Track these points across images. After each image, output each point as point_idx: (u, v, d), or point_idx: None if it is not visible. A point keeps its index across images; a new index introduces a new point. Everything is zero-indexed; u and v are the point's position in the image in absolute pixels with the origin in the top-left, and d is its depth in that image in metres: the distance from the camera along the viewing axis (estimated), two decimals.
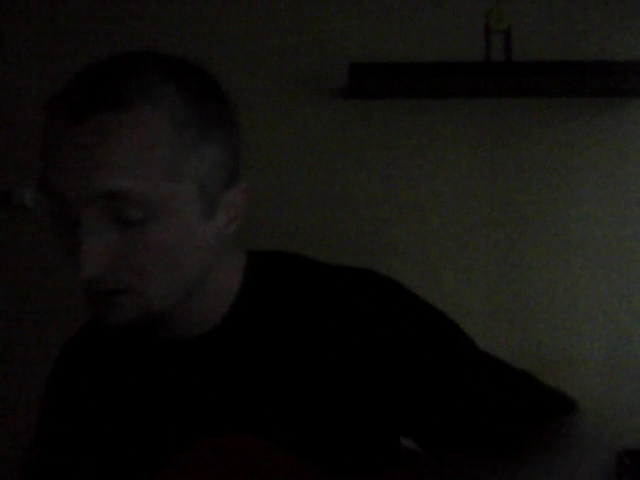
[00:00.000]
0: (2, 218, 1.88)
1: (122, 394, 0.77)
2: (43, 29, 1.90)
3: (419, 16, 1.89)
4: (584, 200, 1.89)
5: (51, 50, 1.89)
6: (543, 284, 1.88)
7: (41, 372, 1.83)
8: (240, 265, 0.77)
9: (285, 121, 1.87)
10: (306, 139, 1.88)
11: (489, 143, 1.89)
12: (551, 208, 1.89)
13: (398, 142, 1.89)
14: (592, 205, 1.89)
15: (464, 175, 1.89)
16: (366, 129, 1.89)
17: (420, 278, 1.86)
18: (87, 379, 0.81)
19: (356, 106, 1.88)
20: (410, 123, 1.89)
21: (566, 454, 0.67)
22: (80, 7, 1.90)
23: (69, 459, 0.80)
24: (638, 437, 1.82)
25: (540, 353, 1.86)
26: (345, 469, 0.71)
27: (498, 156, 1.89)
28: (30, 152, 1.89)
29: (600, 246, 1.88)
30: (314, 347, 0.73)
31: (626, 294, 1.88)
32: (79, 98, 0.64)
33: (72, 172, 0.62)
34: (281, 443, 0.70)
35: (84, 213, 0.63)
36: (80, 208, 0.63)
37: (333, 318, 0.73)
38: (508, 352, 1.81)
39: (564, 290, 1.88)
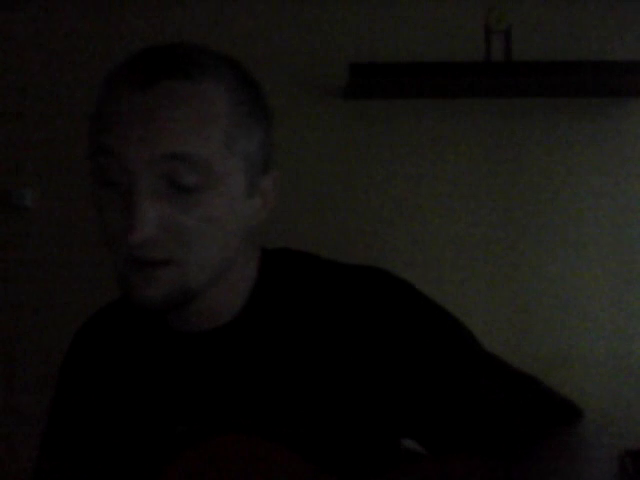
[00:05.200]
0: (2, 218, 1.88)
1: (132, 385, 0.77)
2: (43, 29, 1.90)
3: (419, 16, 1.89)
4: (584, 200, 1.89)
5: (51, 50, 1.89)
6: (543, 284, 1.88)
7: (41, 371, 1.84)
8: (255, 261, 0.78)
9: (285, 121, 1.87)
10: (306, 139, 1.88)
11: (489, 143, 1.89)
12: (551, 208, 1.89)
13: (398, 142, 1.89)
14: (592, 205, 1.89)
15: (464, 175, 1.89)
16: (366, 129, 1.89)
17: (420, 278, 1.85)
18: (98, 368, 0.81)
19: (356, 106, 1.88)
20: (410, 123, 1.89)
21: (569, 458, 0.66)
22: (80, 7, 1.89)
23: (77, 449, 0.80)
24: (638, 437, 1.82)
25: (540, 353, 1.86)
26: (348, 470, 0.71)
27: (498, 156, 1.89)
28: (30, 152, 1.89)
29: (600, 246, 1.88)
30: (323, 346, 0.73)
31: (626, 294, 1.88)
32: (147, 66, 0.66)
33: (137, 134, 0.64)
34: (286, 441, 0.70)
35: (142, 177, 0.65)
36: (138, 172, 0.64)
37: (342, 317, 0.74)
38: (508, 352, 1.81)
39: (564, 290, 1.88)
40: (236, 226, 0.71)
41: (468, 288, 1.88)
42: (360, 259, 0.82)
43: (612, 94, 1.85)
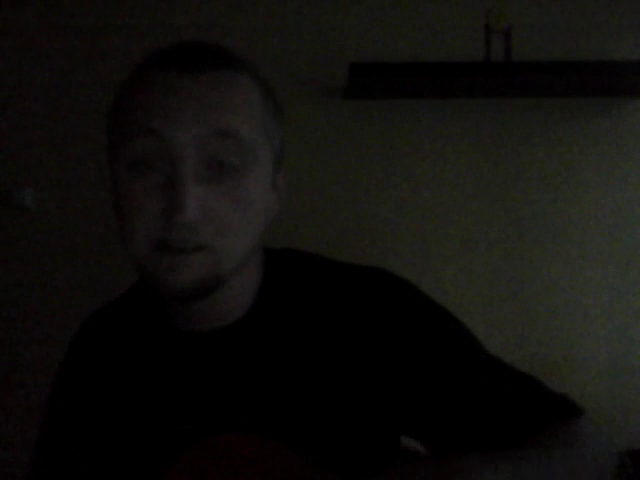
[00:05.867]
0: (2, 218, 1.88)
1: (137, 384, 0.77)
2: (43, 28, 1.90)
3: (419, 16, 1.89)
4: (584, 200, 1.89)
5: (51, 50, 1.89)
6: (543, 284, 1.88)
7: (41, 371, 1.83)
8: (260, 261, 0.78)
9: (285, 121, 1.87)
10: (306, 139, 1.88)
11: (489, 143, 1.89)
12: (551, 208, 1.89)
13: (398, 142, 1.89)
14: (592, 205, 1.89)
15: (464, 175, 1.89)
16: (366, 129, 1.89)
17: (420, 278, 1.85)
18: (100, 366, 0.81)
19: (356, 106, 1.88)
20: (410, 123, 1.89)
21: (569, 456, 0.67)
22: (80, 6, 1.90)
23: (77, 446, 0.80)
24: (638, 437, 1.82)
25: (540, 353, 1.86)
26: (349, 469, 0.71)
27: (498, 156, 1.89)
28: (30, 152, 1.89)
29: (600, 246, 1.88)
30: (326, 346, 0.74)
31: (626, 294, 1.88)
32: (193, 55, 0.70)
33: (189, 114, 0.66)
34: (288, 440, 0.70)
35: (188, 159, 0.66)
36: (185, 153, 0.66)
37: (346, 318, 0.74)
38: (508, 352, 1.81)
39: (564, 290, 1.88)
40: (263, 215, 0.73)
41: (468, 288, 1.88)
42: (360, 259, 0.83)
43: (612, 94, 1.85)
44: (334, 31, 1.89)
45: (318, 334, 0.74)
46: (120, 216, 0.69)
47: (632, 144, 1.89)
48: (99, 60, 1.86)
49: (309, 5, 1.90)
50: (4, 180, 1.88)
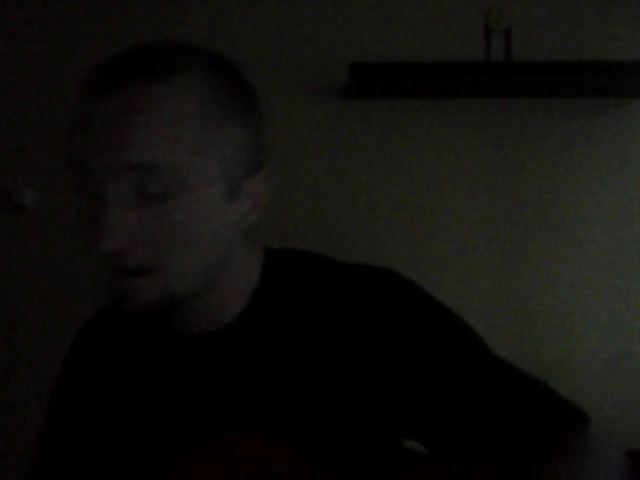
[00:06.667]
0: (2, 218, 1.88)
1: (134, 386, 0.77)
2: (43, 28, 1.90)
3: (419, 16, 1.89)
4: (584, 200, 1.89)
5: (51, 50, 1.89)
6: (543, 284, 1.88)
7: (41, 372, 1.84)
8: (258, 261, 0.77)
9: (285, 121, 1.87)
10: (306, 139, 1.88)
11: (489, 143, 1.89)
12: (551, 208, 1.89)
13: (398, 142, 1.89)
14: (592, 205, 1.89)
15: (464, 175, 1.89)
16: (366, 129, 1.89)
17: (420, 278, 1.85)
18: (100, 368, 0.81)
19: (356, 106, 1.88)
20: (410, 123, 1.89)
21: (575, 464, 0.66)
22: (81, 7, 1.89)
23: (77, 449, 0.80)
24: (638, 437, 1.82)
25: (540, 353, 1.86)
26: (350, 470, 0.71)
27: (498, 156, 1.89)
28: (30, 152, 1.89)
29: (600, 246, 1.88)
30: (327, 347, 0.73)
31: (626, 294, 1.88)
32: (111, 71, 0.65)
33: (99, 143, 0.63)
34: (288, 441, 0.70)
35: (109, 185, 0.63)
36: (105, 180, 0.63)
37: (347, 318, 0.74)
38: (508, 352, 1.81)
39: (564, 290, 1.88)
40: (216, 232, 0.68)
41: (468, 288, 1.88)
42: (360, 259, 0.82)
43: (612, 94, 1.85)
44: (334, 31, 1.89)
45: (320, 334, 0.73)
46: None
47: (632, 144, 1.89)
48: (99, 60, 1.86)
49: (309, 5, 1.90)
50: (4, 180, 1.88)
